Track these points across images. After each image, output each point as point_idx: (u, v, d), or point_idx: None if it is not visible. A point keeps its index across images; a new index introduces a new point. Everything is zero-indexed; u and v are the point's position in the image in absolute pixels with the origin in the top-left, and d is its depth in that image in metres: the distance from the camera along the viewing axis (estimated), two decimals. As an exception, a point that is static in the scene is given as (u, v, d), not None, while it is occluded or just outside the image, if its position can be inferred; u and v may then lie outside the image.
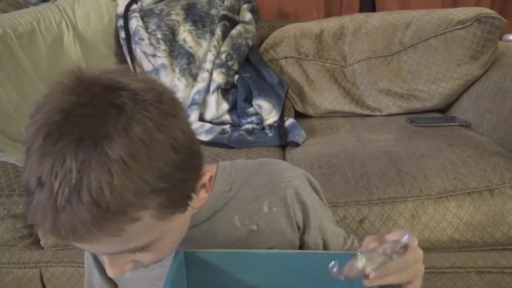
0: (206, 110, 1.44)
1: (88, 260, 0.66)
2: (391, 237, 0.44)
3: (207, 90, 1.44)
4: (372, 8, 1.91)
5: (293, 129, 1.35)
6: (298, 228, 0.63)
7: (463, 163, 1.05)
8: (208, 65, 1.47)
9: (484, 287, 1.07)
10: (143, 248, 0.46)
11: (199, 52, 1.52)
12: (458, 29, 1.37)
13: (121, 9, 1.57)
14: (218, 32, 1.53)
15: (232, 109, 1.47)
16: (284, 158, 1.24)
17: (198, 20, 1.57)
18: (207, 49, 1.52)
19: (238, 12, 1.64)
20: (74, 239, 0.40)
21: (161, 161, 0.41)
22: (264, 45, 1.64)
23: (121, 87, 0.41)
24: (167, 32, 1.52)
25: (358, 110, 1.53)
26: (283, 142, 1.30)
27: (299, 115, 1.56)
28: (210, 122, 1.44)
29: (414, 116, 1.44)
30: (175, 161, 0.42)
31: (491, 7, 1.78)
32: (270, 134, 1.35)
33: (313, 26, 1.61)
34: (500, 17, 1.34)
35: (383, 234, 0.98)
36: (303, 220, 0.63)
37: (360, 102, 1.53)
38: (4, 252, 1.13)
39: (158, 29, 1.53)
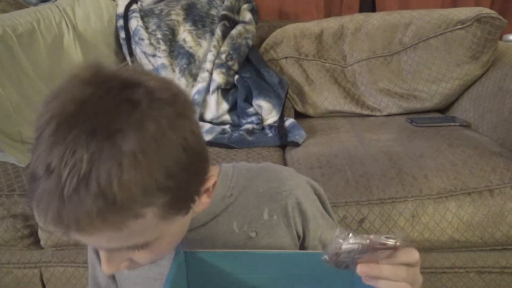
0: (206, 110, 1.44)
1: (91, 254, 0.67)
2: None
3: (207, 90, 1.44)
4: (372, 8, 1.91)
5: (293, 129, 1.35)
6: (298, 237, 0.62)
7: (463, 163, 1.05)
8: (208, 65, 1.47)
9: (484, 287, 1.07)
10: (141, 247, 0.46)
11: (199, 52, 1.52)
12: (458, 29, 1.37)
13: (121, 9, 1.57)
14: (218, 32, 1.53)
15: (232, 109, 1.47)
16: (284, 158, 1.24)
17: (198, 20, 1.57)
18: (207, 49, 1.52)
19: (238, 12, 1.64)
20: (75, 230, 0.40)
21: (171, 160, 0.41)
22: (264, 45, 1.64)
23: (138, 84, 0.41)
24: (167, 32, 1.52)
25: (358, 110, 1.53)
26: (283, 142, 1.30)
27: (299, 115, 1.56)
28: (210, 122, 1.44)
29: (414, 116, 1.44)
30: (184, 161, 0.42)
31: (491, 7, 1.78)
32: (270, 134, 1.35)
33: (313, 26, 1.61)
34: (500, 17, 1.34)
35: (383, 234, 0.98)
36: (303, 230, 0.62)
37: (360, 102, 1.53)
38: (4, 252, 1.13)
39: (158, 29, 1.53)
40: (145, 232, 0.44)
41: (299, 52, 1.57)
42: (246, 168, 0.64)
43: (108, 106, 0.39)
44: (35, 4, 1.54)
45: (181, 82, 1.46)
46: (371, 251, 0.42)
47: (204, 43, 1.54)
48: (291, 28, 1.62)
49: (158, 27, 1.53)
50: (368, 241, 0.41)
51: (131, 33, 1.54)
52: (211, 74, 1.46)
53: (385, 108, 1.51)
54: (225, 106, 1.45)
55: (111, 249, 0.46)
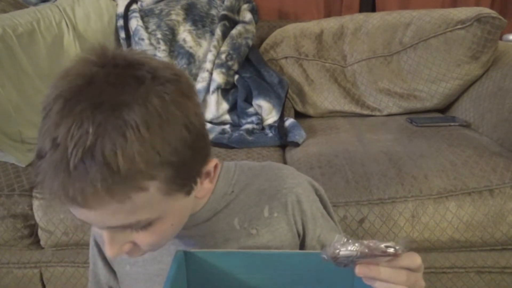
0: (206, 110, 1.44)
1: (93, 250, 0.68)
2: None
3: (207, 90, 1.44)
4: (372, 8, 1.91)
5: (293, 129, 1.35)
6: (298, 235, 0.63)
7: (463, 163, 1.05)
8: (208, 65, 1.47)
9: (484, 287, 1.07)
10: (144, 227, 0.46)
11: (199, 52, 1.52)
12: (458, 29, 1.37)
13: (121, 9, 1.57)
14: (218, 32, 1.53)
15: (232, 109, 1.47)
16: (284, 158, 1.24)
17: (198, 20, 1.57)
18: (207, 49, 1.52)
19: (238, 12, 1.64)
20: (80, 203, 0.40)
21: (174, 136, 0.42)
22: (264, 45, 1.64)
23: (142, 63, 0.44)
24: (167, 32, 1.52)
25: (358, 110, 1.53)
26: (283, 142, 1.30)
27: (299, 115, 1.56)
28: (210, 122, 1.44)
29: (414, 116, 1.44)
30: (187, 139, 0.44)
31: (491, 7, 1.78)
32: (270, 134, 1.35)
33: (313, 26, 1.61)
34: (500, 17, 1.34)
35: (383, 234, 0.99)
36: (303, 229, 0.62)
37: (360, 102, 1.53)
38: (4, 252, 1.13)
39: (158, 29, 1.53)
40: (148, 207, 0.44)
41: (299, 52, 1.57)
42: (248, 166, 0.65)
43: (114, 82, 0.41)
44: (35, 4, 1.54)
45: (181, 82, 1.46)
46: (369, 257, 0.42)
47: (204, 43, 1.54)
48: (291, 28, 1.62)
49: (158, 27, 1.53)
50: (366, 249, 0.41)
51: (131, 33, 1.54)
52: (211, 74, 1.46)
53: (385, 108, 1.51)
54: (225, 106, 1.45)
55: (114, 228, 0.46)
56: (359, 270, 0.42)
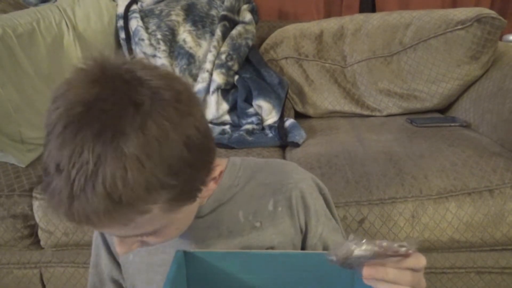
0: (206, 110, 1.44)
1: (97, 241, 0.68)
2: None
3: (207, 90, 1.44)
4: (372, 8, 1.92)
5: (293, 129, 1.35)
6: (301, 230, 0.63)
7: (463, 163, 1.05)
8: (208, 66, 1.47)
9: (484, 287, 1.07)
10: (150, 234, 0.49)
11: (199, 53, 1.52)
12: (458, 29, 1.37)
13: (121, 9, 1.57)
14: (218, 32, 1.53)
15: (232, 110, 1.47)
16: (284, 158, 1.24)
17: (198, 20, 1.57)
18: (207, 49, 1.52)
19: (238, 12, 1.64)
20: (86, 224, 0.43)
21: (173, 158, 0.42)
22: (264, 45, 1.64)
23: (141, 84, 0.43)
24: (167, 33, 1.52)
25: (358, 110, 1.53)
26: (283, 143, 1.30)
27: (299, 115, 1.56)
28: (210, 122, 1.44)
29: (414, 116, 1.44)
30: (187, 158, 0.43)
31: (491, 7, 1.78)
32: (270, 135, 1.35)
33: (313, 26, 1.61)
34: (500, 17, 1.34)
35: (383, 234, 0.99)
36: (306, 224, 0.63)
37: (360, 102, 1.53)
38: (4, 252, 1.13)
39: (158, 30, 1.53)
40: (152, 223, 0.46)
41: (299, 53, 1.57)
42: (254, 161, 0.66)
43: (112, 109, 0.41)
44: (35, 4, 1.54)
45: (181, 82, 1.46)
46: (380, 257, 0.42)
47: (204, 44, 1.54)
48: (291, 29, 1.62)
49: (158, 27, 1.53)
50: (382, 249, 0.41)
51: (131, 33, 1.54)
52: (211, 74, 1.46)
53: (385, 108, 1.51)
54: (225, 106, 1.45)
55: (122, 237, 0.50)
56: (367, 271, 0.42)
